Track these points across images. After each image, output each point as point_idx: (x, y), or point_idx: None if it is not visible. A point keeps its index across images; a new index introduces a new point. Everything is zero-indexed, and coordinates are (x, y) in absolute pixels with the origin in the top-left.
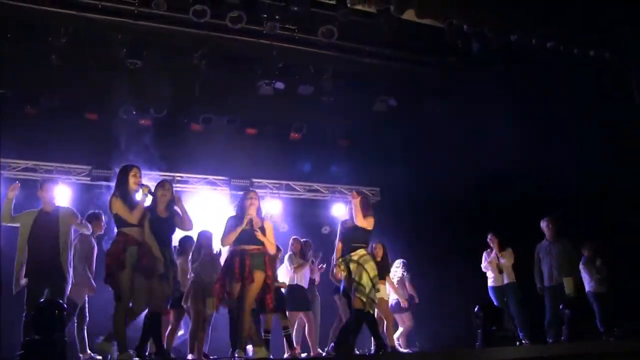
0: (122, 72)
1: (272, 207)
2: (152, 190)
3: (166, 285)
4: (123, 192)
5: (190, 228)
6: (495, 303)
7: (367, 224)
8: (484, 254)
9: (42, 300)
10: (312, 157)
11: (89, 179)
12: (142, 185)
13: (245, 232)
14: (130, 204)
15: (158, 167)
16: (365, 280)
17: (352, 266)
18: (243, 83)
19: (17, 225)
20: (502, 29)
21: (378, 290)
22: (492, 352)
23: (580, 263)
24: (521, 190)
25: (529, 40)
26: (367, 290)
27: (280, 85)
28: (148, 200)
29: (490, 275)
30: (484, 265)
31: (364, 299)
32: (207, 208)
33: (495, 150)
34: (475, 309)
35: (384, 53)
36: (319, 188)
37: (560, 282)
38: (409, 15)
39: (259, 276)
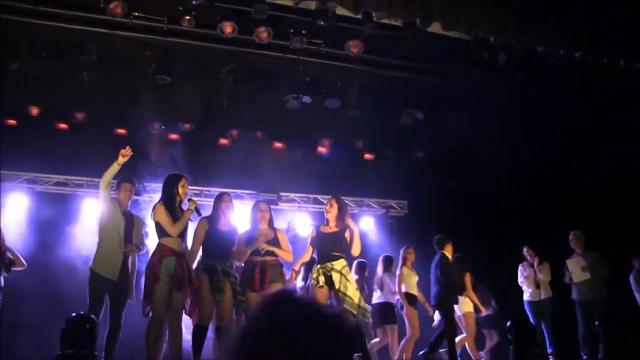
0: (151, 88)
1: (300, 220)
2: (199, 209)
3: (218, 297)
4: (168, 201)
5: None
6: (530, 318)
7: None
8: (520, 268)
9: (76, 314)
10: (339, 171)
11: None
12: (189, 199)
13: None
14: (174, 215)
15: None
16: (351, 291)
17: (335, 276)
18: (270, 97)
19: (105, 195)
20: (528, 40)
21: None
22: None
23: (631, 276)
24: (551, 202)
25: (557, 51)
26: (357, 300)
27: (307, 99)
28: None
29: (526, 289)
30: (520, 279)
31: (354, 311)
32: (235, 222)
33: (523, 162)
34: (508, 324)
35: (410, 66)
36: (346, 202)
37: (590, 298)
38: (435, 28)
39: (277, 288)
